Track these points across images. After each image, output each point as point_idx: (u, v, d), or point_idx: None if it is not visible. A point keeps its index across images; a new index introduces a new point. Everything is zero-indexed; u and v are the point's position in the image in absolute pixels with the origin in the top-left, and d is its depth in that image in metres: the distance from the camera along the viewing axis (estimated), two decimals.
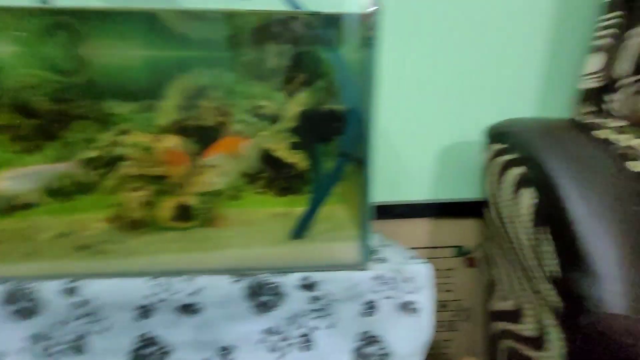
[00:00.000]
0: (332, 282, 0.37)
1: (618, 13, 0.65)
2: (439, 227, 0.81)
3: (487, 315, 0.71)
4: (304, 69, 0.41)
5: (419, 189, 0.80)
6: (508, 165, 0.58)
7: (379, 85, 0.75)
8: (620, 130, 0.53)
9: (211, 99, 0.42)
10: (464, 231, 0.81)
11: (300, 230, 0.40)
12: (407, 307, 0.38)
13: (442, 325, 0.85)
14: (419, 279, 0.38)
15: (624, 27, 0.66)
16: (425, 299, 0.38)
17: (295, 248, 0.41)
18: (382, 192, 0.80)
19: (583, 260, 0.45)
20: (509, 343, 0.59)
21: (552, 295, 0.48)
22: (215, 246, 0.43)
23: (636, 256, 0.43)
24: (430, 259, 0.82)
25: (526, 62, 0.75)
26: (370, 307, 0.38)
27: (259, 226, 0.44)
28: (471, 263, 0.82)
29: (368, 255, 0.39)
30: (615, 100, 0.69)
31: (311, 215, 0.40)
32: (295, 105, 0.43)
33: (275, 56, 0.42)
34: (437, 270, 0.83)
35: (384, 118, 0.77)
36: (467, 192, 0.80)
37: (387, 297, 0.37)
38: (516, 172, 0.56)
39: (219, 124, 0.42)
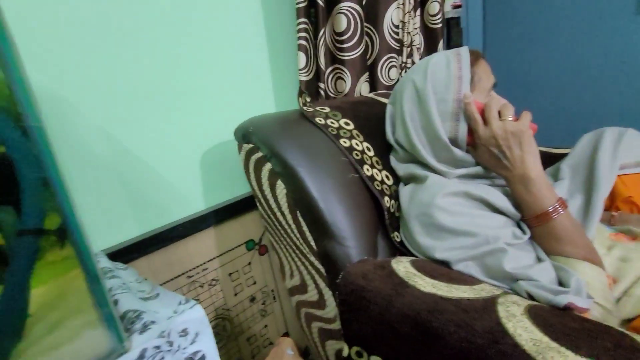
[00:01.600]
0: None
1: (304, 19, 0.80)
2: (226, 230, 0.80)
3: (286, 292, 0.79)
4: None
5: (195, 202, 0.76)
6: (260, 163, 0.62)
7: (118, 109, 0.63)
8: (326, 115, 0.67)
9: None
10: (249, 225, 0.84)
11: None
12: None
13: (256, 316, 0.89)
14: (193, 326, 0.35)
15: (313, 30, 0.83)
16: (206, 343, 0.36)
17: None
18: (157, 218, 0.70)
19: (327, 229, 0.55)
20: (305, 310, 0.68)
21: (318, 264, 0.58)
22: None
23: (355, 213, 0.57)
24: (228, 263, 0.82)
25: (255, 64, 0.82)
26: None
27: None
28: (262, 251, 0.88)
29: (121, 334, 0.32)
30: (323, 88, 0.88)
31: (9, 324, 0.28)
32: None
33: None
34: (237, 271, 0.84)
35: (134, 143, 0.66)
36: (241, 188, 0.83)
37: None
38: (267, 167, 0.61)
39: None
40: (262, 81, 0.84)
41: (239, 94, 0.79)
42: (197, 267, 0.76)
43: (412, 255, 0.57)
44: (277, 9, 0.84)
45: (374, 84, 0.99)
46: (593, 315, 0.42)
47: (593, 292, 0.42)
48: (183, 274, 0.74)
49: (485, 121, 0.53)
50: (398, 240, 0.60)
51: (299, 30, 0.80)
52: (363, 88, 0.94)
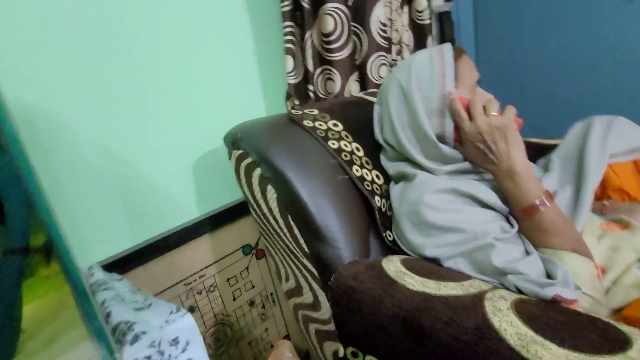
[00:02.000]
0: None
1: (290, 23, 0.80)
2: (222, 236, 0.81)
3: (284, 295, 0.79)
4: None
5: (189, 209, 0.76)
6: (250, 169, 0.63)
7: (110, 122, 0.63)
8: (315, 117, 0.68)
9: None
10: (245, 230, 0.85)
11: None
12: None
13: (256, 320, 0.89)
14: (184, 335, 0.36)
15: (300, 33, 0.84)
16: (197, 351, 0.36)
17: None
18: (153, 227, 0.71)
19: (318, 232, 0.55)
20: (302, 312, 0.68)
21: (311, 267, 0.58)
22: None
23: (346, 214, 0.57)
24: (224, 269, 0.82)
25: (244, 70, 0.82)
26: None
27: None
28: (259, 255, 0.88)
29: (111, 347, 0.32)
30: (313, 89, 0.89)
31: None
32: None
33: None
34: (234, 276, 0.84)
35: (128, 154, 0.67)
36: (236, 194, 0.84)
37: None
38: (257, 173, 0.62)
39: None
40: (251, 86, 0.84)
41: (229, 101, 0.80)
42: (195, 274, 0.77)
43: (405, 253, 0.57)
44: (263, 14, 0.84)
45: (364, 83, 0.99)
46: (582, 306, 0.42)
47: (581, 283, 0.42)
48: (181, 281, 0.75)
49: (471, 117, 0.54)
50: (390, 239, 0.60)
51: (286, 34, 0.81)
52: (353, 87, 0.94)
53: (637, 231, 0.51)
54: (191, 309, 0.77)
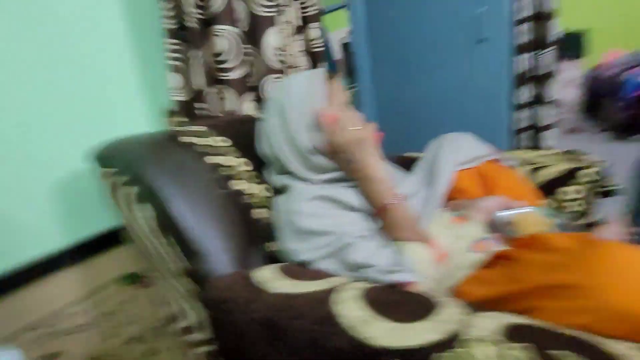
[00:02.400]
0: None
1: (174, 40, 0.80)
2: (95, 266, 0.72)
3: (169, 322, 0.74)
4: None
5: (49, 239, 0.66)
6: (123, 188, 0.59)
7: None
8: (197, 134, 0.67)
9: None
10: (126, 257, 0.77)
11: None
12: None
13: (146, 355, 0.80)
14: None
15: (187, 51, 0.84)
16: None
17: None
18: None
19: (196, 248, 0.54)
20: (188, 336, 0.64)
21: (191, 285, 0.56)
22: None
23: (225, 228, 0.57)
24: (100, 303, 0.73)
25: (120, 86, 0.78)
26: None
27: None
28: (145, 284, 0.81)
29: None
30: (206, 107, 0.88)
31: None
32: None
33: None
34: (114, 310, 0.75)
35: None
36: (112, 219, 0.76)
37: None
38: (132, 192, 0.58)
39: None
40: (129, 103, 0.80)
41: (100, 119, 0.74)
42: (59, 312, 0.66)
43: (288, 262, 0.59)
44: (148, 30, 0.82)
45: (260, 104, 1.02)
46: (423, 286, 0.48)
47: (422, 268, 0.49)
48: (39, 324, 0.64)
49: (338, 131, 0.60)
50: (271, 249, 0.62)
51: (170, 51, 0.80)
52: (249, 107, 0.97)
53: (472, 223, 0.63)
54: (53, 355, 0.65)
